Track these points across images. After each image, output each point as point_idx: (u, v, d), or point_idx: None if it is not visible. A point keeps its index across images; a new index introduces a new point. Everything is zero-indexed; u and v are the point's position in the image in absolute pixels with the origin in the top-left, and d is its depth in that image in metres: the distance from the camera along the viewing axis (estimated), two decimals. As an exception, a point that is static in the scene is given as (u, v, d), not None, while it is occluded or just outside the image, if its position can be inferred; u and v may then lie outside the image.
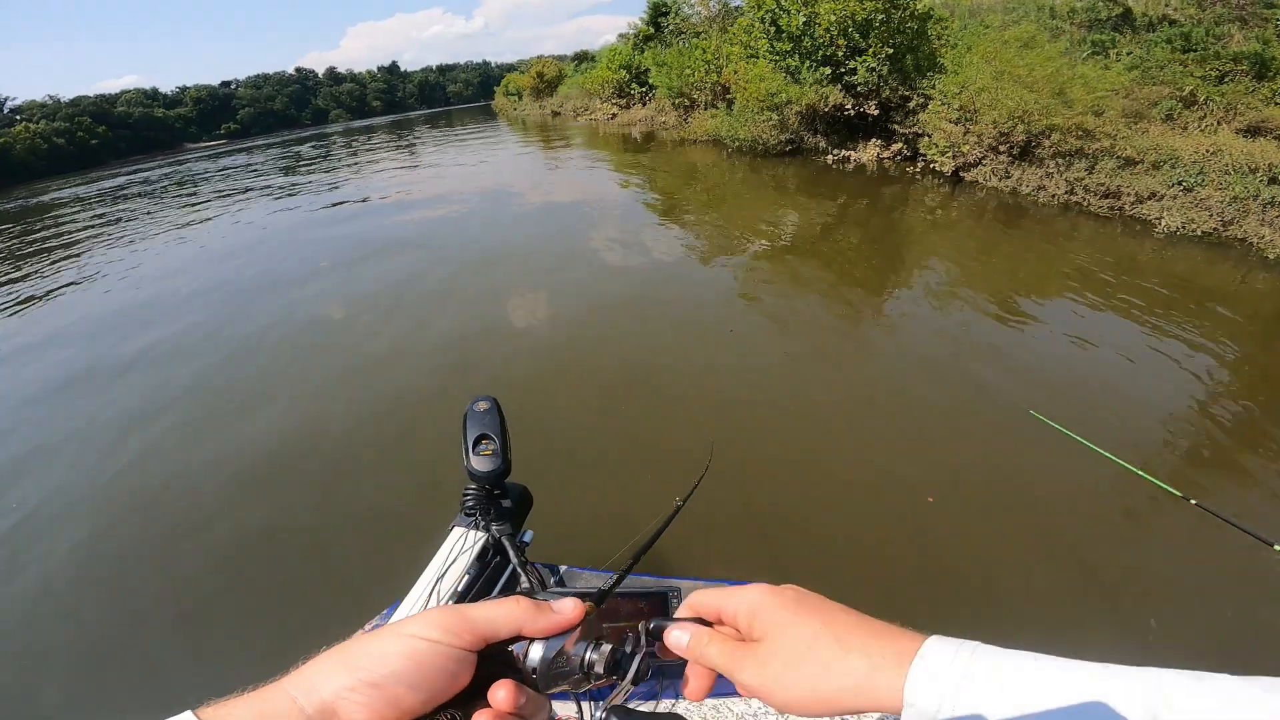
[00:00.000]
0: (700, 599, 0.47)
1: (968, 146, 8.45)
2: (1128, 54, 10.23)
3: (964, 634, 0.38)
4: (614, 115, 26.25)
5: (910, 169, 9.96)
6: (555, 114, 34.97)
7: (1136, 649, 2.14)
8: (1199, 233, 5.91)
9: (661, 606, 1.08)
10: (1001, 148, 8.18)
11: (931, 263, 6.23)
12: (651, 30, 24.23)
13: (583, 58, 43.08)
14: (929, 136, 9.27)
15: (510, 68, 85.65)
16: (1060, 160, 7.56)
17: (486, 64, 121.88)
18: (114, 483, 3.73)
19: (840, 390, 3.97)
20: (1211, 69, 8.99)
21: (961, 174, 8.68)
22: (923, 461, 3.16)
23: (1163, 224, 6.10)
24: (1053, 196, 7.38)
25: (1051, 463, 3.00)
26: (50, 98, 64.48)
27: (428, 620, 0.39)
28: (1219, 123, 7.95)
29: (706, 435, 3.47)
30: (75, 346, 6.21)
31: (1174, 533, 2.59)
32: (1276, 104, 7.84)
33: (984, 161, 8.38)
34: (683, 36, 20.85)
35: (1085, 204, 7.02)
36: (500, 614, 0.41)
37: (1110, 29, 12.81)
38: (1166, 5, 13.41)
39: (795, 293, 5.71)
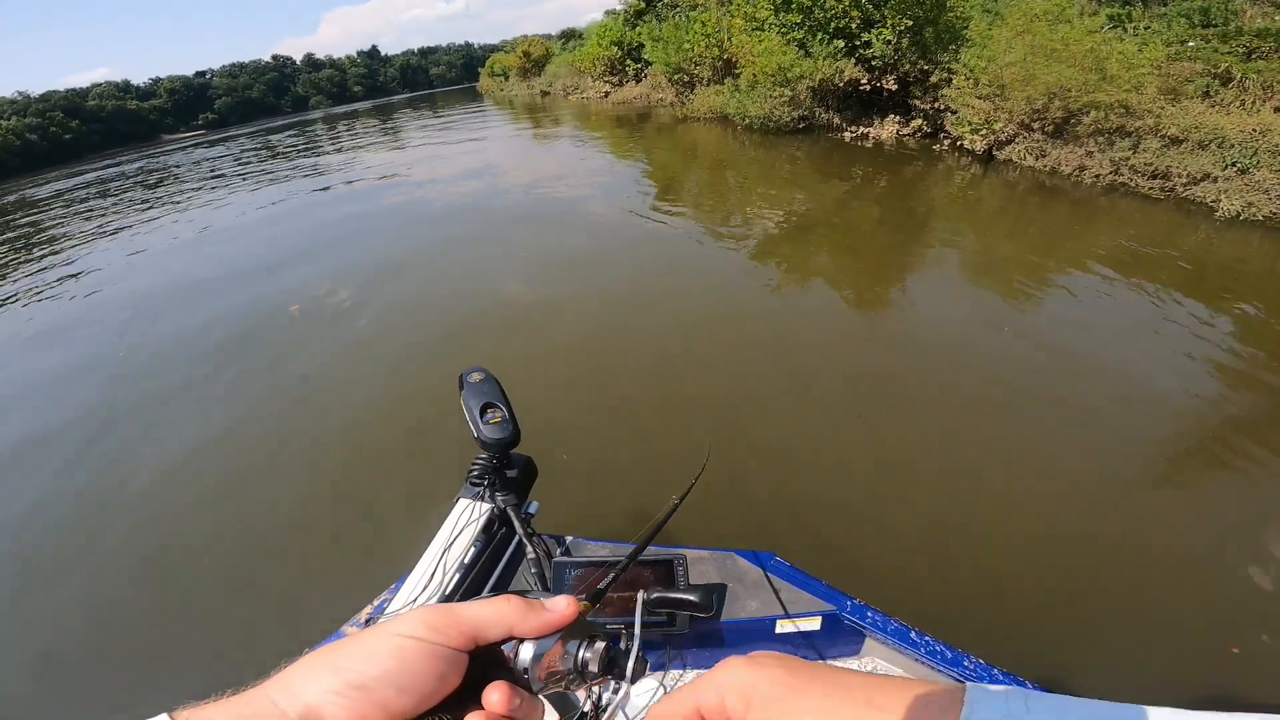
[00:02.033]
0: (663, 712, 0.38)
1: (1000, 124, 8.07)
2: (1146, 28, 9.81)
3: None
4: (607, 93, 25.55)
5: (935, 146, 9.57)
6: (544, 93, 34.07)
7: None
8: (1259, 216, 5.61)
9: (667, 574, 1.04)
10: (1035, 124, 7.81)
11: (968, 246, 5.92)
12: (643, 4, 23.40)
13: (570, 35, 41.94)
14: (956, 114, 8.87)
15: (494, 49, 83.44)
16: (1101, 139, 7.20)
17: (469, 45, 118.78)
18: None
19: (852, 378, 3.84)
20: (1238, 45, 8.60)
21: (994, 153, 8.31)
22: (936, 447, 3.09)
23: (1222, 208, 5.77)
24: (1096, 177, 7.02)
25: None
26: (19, 93, 62.28)
27: (415, 619, 0.37)
28: (1256, 101, 7.60)
29: (704, 426, 3.41)
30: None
31: None
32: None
33: (1017, 139, 8.01)
34: (678, 10, 20.09)
35: (1133, 185, 6.67)
36: (490, 613, 0.38)
37: (1123, 2, 12.36)
38: (1178, -22, 12.94)
39: (817, 279, 5.45)
